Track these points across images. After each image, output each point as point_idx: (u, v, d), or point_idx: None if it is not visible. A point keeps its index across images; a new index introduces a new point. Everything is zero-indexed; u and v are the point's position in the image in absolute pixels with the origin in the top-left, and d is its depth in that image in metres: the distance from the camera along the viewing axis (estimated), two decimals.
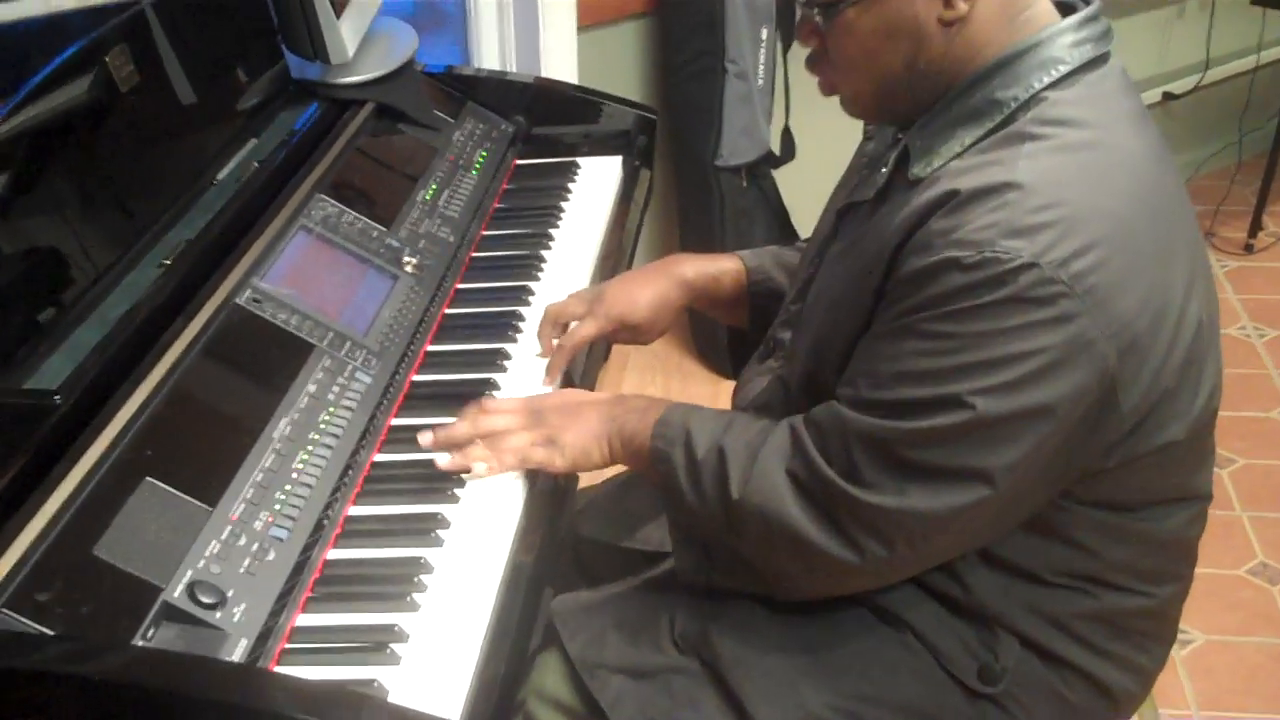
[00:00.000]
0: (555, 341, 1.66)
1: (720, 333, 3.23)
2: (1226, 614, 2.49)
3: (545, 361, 1.65)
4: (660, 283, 1.71)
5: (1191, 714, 2.34)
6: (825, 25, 1.31)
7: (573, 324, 1.67)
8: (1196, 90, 4.09)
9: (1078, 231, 1.19)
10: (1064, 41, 1.28)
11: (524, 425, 1.47)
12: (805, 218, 3.28)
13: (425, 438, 1.47)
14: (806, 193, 3.31)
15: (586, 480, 1.67)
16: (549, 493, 1.46)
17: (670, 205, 3.33)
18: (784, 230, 3.27)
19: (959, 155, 1.28)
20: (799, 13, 1.35)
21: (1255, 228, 3.96)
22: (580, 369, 1.69)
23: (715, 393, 3.23)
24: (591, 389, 1.70)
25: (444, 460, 1.45)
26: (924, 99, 1.32)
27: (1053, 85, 1.27)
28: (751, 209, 3.19)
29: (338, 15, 1.90)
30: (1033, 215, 1.19)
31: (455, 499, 1.40)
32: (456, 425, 1.47)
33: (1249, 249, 3.95)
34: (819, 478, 1.28)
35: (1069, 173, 1.23)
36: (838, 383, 1.31)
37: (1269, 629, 2.54)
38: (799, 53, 3.19)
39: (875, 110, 1.40)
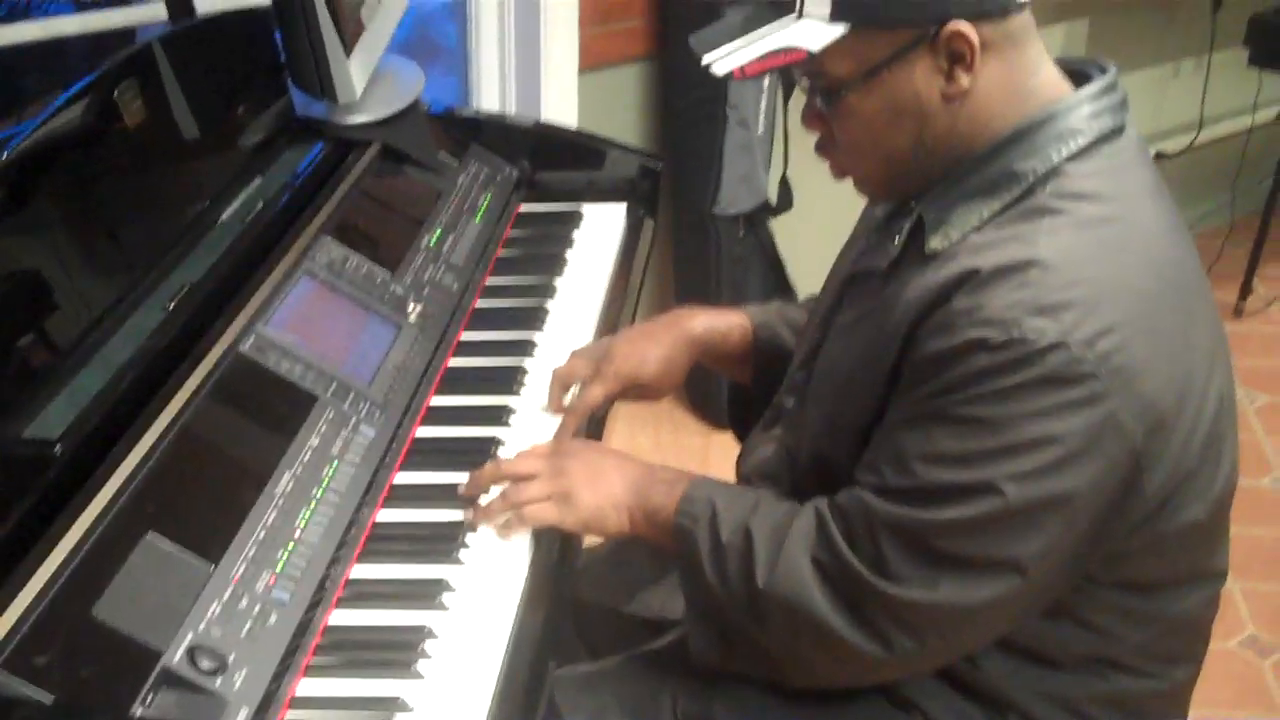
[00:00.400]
0: (566, 402, 1.63)
1: (713, 384, 3.21)
2: (1217, 688, 2.47)
3: (549, 417, 1.62)
4: (668, 340, 1.68)
5: None
6: (828, 111, 1.30)
7: (578, 385, 1.64)
8: (1190, 149, 4.10)
9: (1102, 311, 1.18)
10: (1082, 113, 1.27)
11: (545, 473, 1.43)
12: (801, 269, 3.27)
13: (465, 514, 1.44)
14: (802, 243, 3.30)
15: (584, 541, 1.63)
16: (554, 559, 1.43)
17: (665, 251, 3.31)
18: (779, 280, 3.25)
19: (977, 229, 1.26)
20: (805, 99, 1.34)
21: (1246, 290, 3.96)
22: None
23: (707, 444, 3.21)
24: (601, 435, 1.67)
25: (469, 518, 1.43)
26: (934, 175, 1.31)
27: (1071, 158, 1.26)
28: (747, 258, 3.17)
29: (347, 53, 1.88)
30: (1057, 293, 1.17)
31: (459, 561, 1.37)
32: (484, 469, 1.46)
33: (1239, 312, 3.95)
34: (846, 569, 1.25)
35: (1090, 249, 1.21)
36: (856, 466, 1.29)
37: (1259, 704, 2.52)
38: (799, 101, 3.18)
39: (888, 189, 1.38)
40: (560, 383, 1.64)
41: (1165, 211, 1.31)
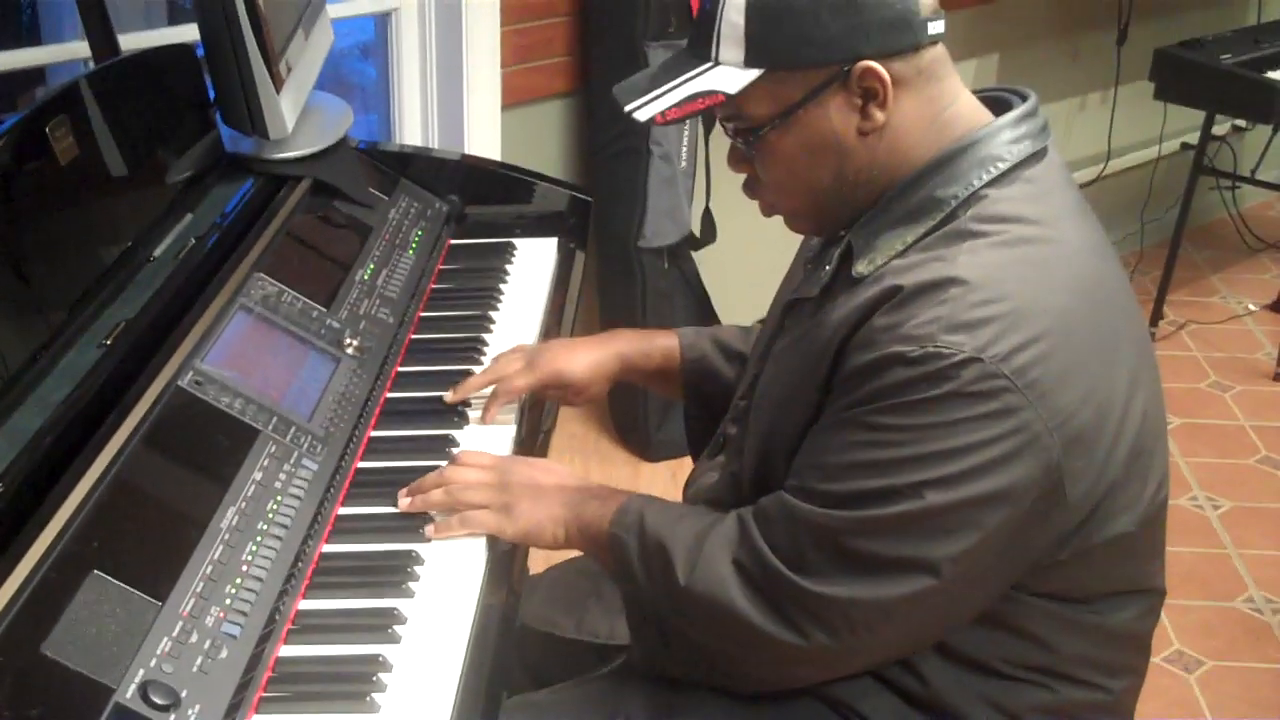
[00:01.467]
0: (491, 389, 1.69)
1: (639, 416, 3.22)
2: (1145, 703, 2.50)
3: (491, 446, 1.62)
4: (598, 349, 1.76)
5: None
6: (749, 150, 1.35)
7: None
8: (1098, 180, 4.19)
9: (1020, 326, 1.21)
10: (1002, 139, 1.31)
11: (488, 483, 1.48)
12: (725, 300, 3.30)
13: (403, 501, 1.49)
14: (726, 275, 3.33)
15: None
16: (503, 585, 1.42)
17: (590, 285, 3.32)
18: (703, 312, 3.27)
19: (901, 254, 1.30)
20: (729, 142, 1.38)
21: (1156, 317, 4.05)
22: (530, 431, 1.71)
23: (634, 473, 3.21)
24: (545, 454, 1.71)
25: (403, 502, 1.48)
26: (861, 205, 1.35)
27: (992, 183, 1.29)
28: (671, 290, 3.19)
29: (277, 90, 1.87)
30: (974, 310, 1.21)
31: (410, 593, 1.36)
32: (427, 476, 1.50)
33: (1149, 338, 4.03)
34: (765, 567, 1.28)
35: (1011, 268, 1.25)
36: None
37: (1188, 716, 2.56)
38: (720, 136, 3.23)
39: (816, 223, 1.43)
40: (491, 373, 1.71)
41: (1089, 231, 1.34)
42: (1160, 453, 1.37)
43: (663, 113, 1.32)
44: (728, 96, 1.30)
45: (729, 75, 1.30)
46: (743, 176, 1.41)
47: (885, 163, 1.32)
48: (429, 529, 1.45)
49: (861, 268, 1.31)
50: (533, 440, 1.71)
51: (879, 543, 1.23)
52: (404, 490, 1.49)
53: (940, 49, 1.32)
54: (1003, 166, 1.30)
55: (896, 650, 1.34)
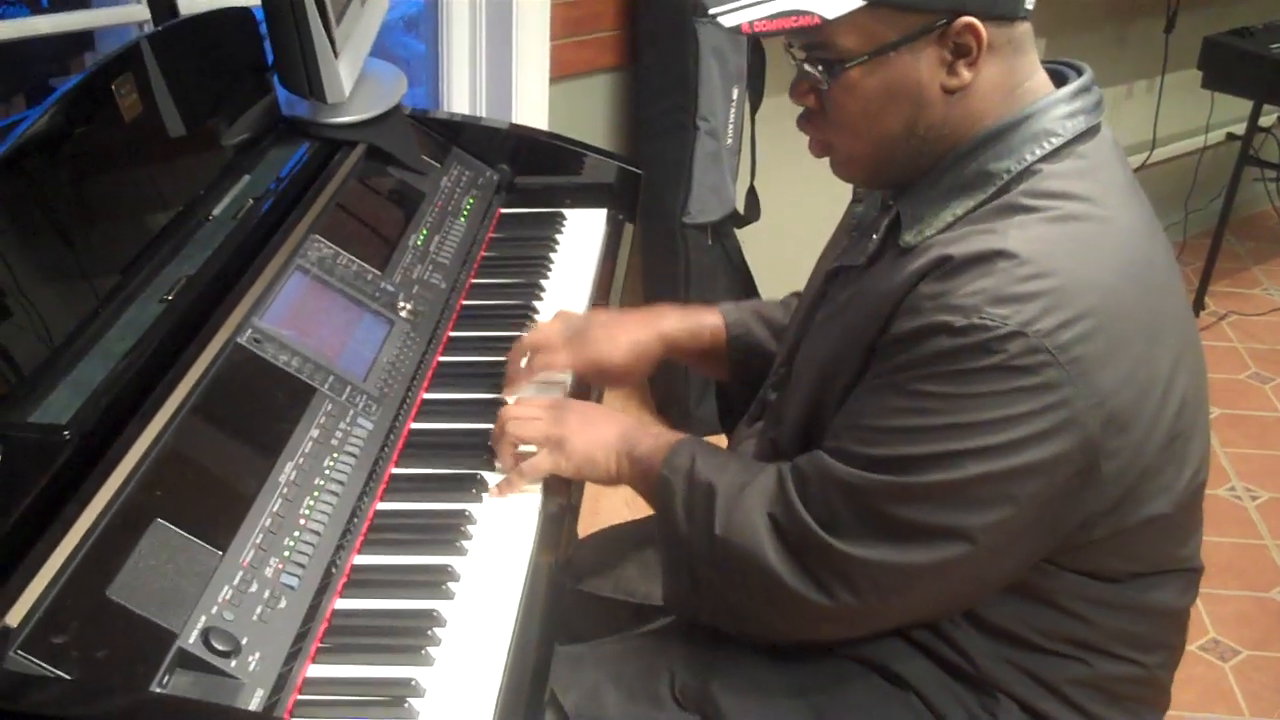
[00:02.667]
0: (524, 363, 1.68)
1: (679, 389, 3.23)
2: (1181, 691, 2.51)
3: None
4: (641, 332, 1.72)
5: None
6: (828, 82, 1.31)
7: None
8: (1143, 168, 4.16)
9: (1067, 303, 1.21)
10: (1057, 113, 1.31)
11: (541, 419, 1.50)
12: (766, 278, 3.30)
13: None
14: (768, 253, 3.33)
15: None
16: (554, 544, 1.44)
17: (634, 258, 3.33)
18: (745, 289, 3.27)
19: (950, 226, 1.30)
20: (796, 69, 1.34)
21: (1198, 307, 4.03)
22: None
23: None
24: None
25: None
26: (919, 165, 1.34)
27: (1045, 158, 1.29)
28: (714, 267, 3.20)
29: (335, 54, 1.88)
30: (1022, 284, 1.21)
31: (463, 550, 1.38)
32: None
33: (1194, 322, 4.01)
34: (797, 523, 1.29)
35: (1061, 244, 1.24)
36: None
37: (1223, 706, 2.57)
38: (767, 114, 3.18)
39: (869, 173, 1.40)
40: (529, 344, 1.69)
41: (1139, 211, 1.34)
42: (1199, 438, 1.37)
43: (751, 22, 1.27)
44: (823, 20, 1.25)
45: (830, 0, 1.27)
46: (802, 113, 1.38)
47: (955, 125, 1.31)
48: (494, 489, 1.47)
49: (910, 238, 1.31)
50: None
51: (912, 509, 1.24)
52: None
53: (1029, 25, 1.31)
54: (1056, 142, 1.29)
55: (921, 614, 1.35)
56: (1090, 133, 1.32)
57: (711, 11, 1.30)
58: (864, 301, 1.33)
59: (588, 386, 1.73)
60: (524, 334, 1.79)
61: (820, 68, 1.31)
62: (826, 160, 1.41)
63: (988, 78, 1.29)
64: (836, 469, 1.28)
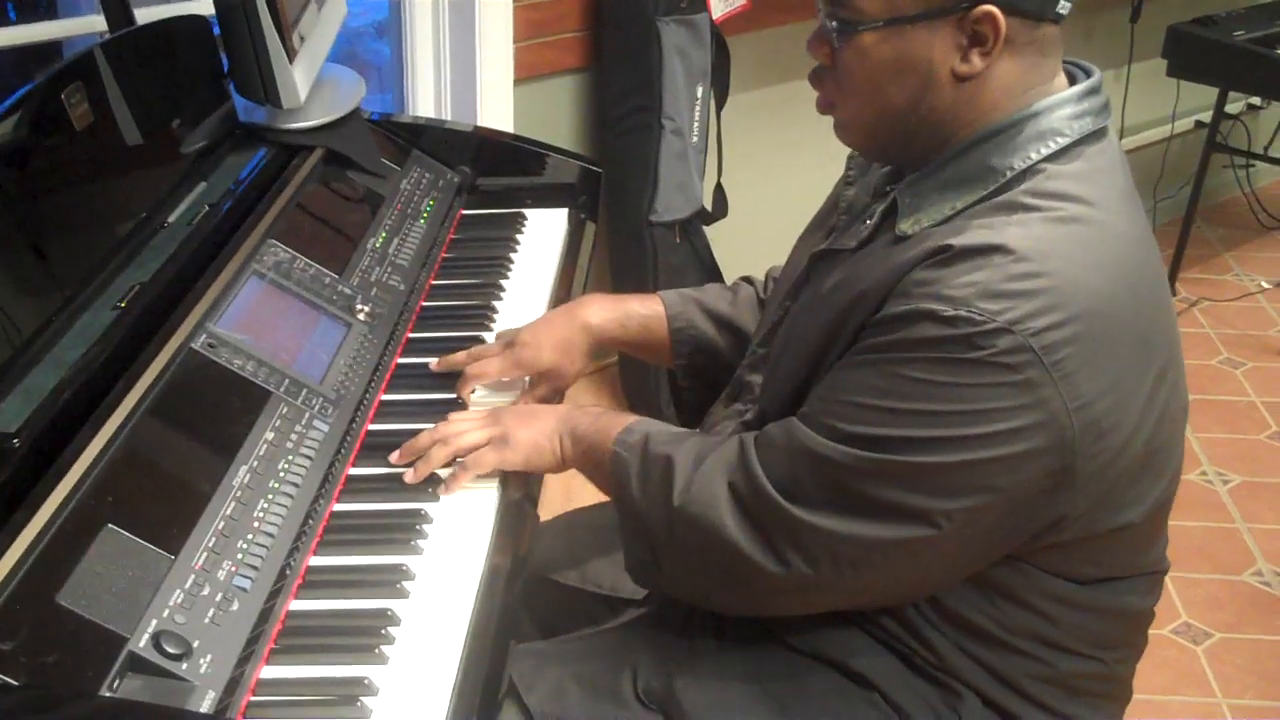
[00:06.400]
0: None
1: (650, 388, 3.24)
2: (1152, 675, 2.53)
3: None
4: (564, 327, 1.72)
5: None
6: (840, 42, 1.31)
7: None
8: None
9: (1059, 304, 1.20)
10: (1063, 113, 1.29)
11: (481, 425, 1.52)
12: (736, 274, 3.28)
13: (394, 455, 1.52)
14: (737, 250, 3.34)
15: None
16: (511, 541, 1.44)
17: (602, 258, 3.34)
18: None
19: (949, 219, 1.29)
20: (818, 21, 1.34)
21: None
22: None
23: None
24: None
25: (409, 476, 1.49)
26: (918, 145, 1.33)
27: (1050, 158, 1.28)
28: (683, 265, 3.20)
29: (290, 60, 1.89)
30: (1015, 281, 1.20)
31: (419, 550, 1.38)
32: (419, 435, 1.52)
33: (1179, 335, 4.03)
34: (756, 490, 1.29)
35: (1059, 245, 1.23)
36: None
37: (1194, 688, 2.58)
38: (732, 111, 3.19)
39: (867, 141, 1.39)
40: (471, 354, 1.70)
41: (1135, 218, 1.32)
42: (1176, 450, 1.37)
43: None
44: None
45: None
46: (814, 69, 1.38)
47: (962, 113, 1.30)
48: (443, 486, 1.48)
49: (906, 227, 1.30)
50: None
51: (879, 486, 1.24)
52: (396, 454, 1.51)
53: (1058, 31, 1.29)
54: (1063, 142, 1.28)
55: (877, 596, 1.35)
56: (1097, 135, 1.31)
57: None
58: (852, 287, 1.31)
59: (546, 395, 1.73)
60: (484, 335, 1.79)
61: (836, 24, 1.30)
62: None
63: (1001, 73, 1.28)
64: (807, 436, 1.27)
